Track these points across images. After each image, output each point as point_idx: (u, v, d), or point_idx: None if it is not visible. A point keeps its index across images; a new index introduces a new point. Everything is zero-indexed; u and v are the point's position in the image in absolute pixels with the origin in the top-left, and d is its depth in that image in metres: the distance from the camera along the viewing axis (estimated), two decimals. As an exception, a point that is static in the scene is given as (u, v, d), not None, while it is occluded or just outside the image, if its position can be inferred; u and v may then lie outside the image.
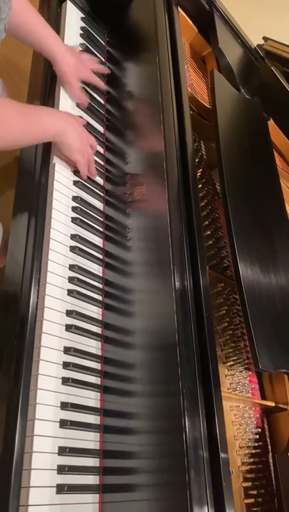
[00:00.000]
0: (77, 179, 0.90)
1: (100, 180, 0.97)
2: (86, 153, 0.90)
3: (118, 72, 1.10)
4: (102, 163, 1.00)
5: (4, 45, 0.84)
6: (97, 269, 0.87)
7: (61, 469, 0.66)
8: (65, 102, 0.96)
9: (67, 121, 0.87)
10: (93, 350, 0.80)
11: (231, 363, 0.93)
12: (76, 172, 0.90)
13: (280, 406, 0.92)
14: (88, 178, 0.93)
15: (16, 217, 0.85)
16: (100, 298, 0.85)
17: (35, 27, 0.92)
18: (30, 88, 1.02)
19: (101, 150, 1.01)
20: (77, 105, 0.99)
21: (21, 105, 0.81)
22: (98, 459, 0.73)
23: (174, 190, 0.83)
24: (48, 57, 0.96)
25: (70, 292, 0.78)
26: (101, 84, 1.06)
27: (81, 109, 0.99)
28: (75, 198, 0.88)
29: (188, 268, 0.77)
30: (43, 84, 0.98)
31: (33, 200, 0.84)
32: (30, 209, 0.83)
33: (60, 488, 0.65)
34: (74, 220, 0.85)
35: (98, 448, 0.73)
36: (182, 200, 0.83)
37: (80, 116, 0.96)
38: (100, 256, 0.89)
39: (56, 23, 1.06)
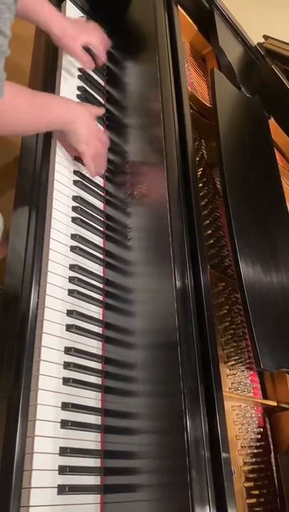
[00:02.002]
0: (78, 179, 0.90)
1: (100, 179, 0.97)
2: (93, 145, 0.90)
3: (118, 71, 1.10)
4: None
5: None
6: (97, 268, 0.87)
7: (62, 470, 0.66)
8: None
9: (78, 111, 0.87)
10: (94, 350, 0.79)
11: (233, 362, 0.93)
12: (76, 172, 0.89)
13: (282, 405, 0.92)
14: (89, 178, 0.93)
15: (16, 217, 0.85)
16: (100, 298, 0.85)
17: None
18: (29, 88, 1.01)
19: (101, 149, 1.01)
20: (77, 104, 0.99)
21: (33, 93, 0.82)
22: (99, 460, 0.73)
23: (174, 189, 0.83)
24: (43, 26, 0.95)
25: (70, 292, 0.78)
26: (102, 53, 1.05)
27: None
28: (75, 198, 0.87)
29: (189, 267, 0.77)
30: (42, 85, 0.98)
31: (33, 200, 0.84)
32: (31, 209, 0.83)
33: (62, 489, 0.65)
34: (74, 219, 0.85)
35: (99, 448, 0.73)
36: (183, 199, 0.83)
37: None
38: (101, 256, 0.89)
39: (56, 22, 1.05)
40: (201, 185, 1.07)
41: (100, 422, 0.75)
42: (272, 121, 1.34)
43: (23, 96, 0.79)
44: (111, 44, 1.14)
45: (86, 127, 0.87)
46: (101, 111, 0.97)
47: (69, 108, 0.87)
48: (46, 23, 0.94)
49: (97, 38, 1.02)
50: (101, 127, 1.04)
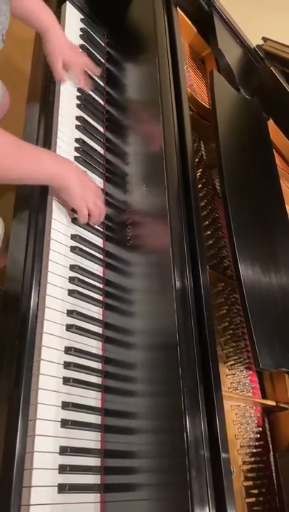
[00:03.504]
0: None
1: (100, 180, 0.97)
2: (91, 202, 0.85)
3: (118, 72, 1.11)
4: (102, 163, 1.00)
5: (5, 48, 0.84)
6: (97, 269, 0.87)
7: (62, 469, 0.66)
8: (65, 102, 0.96)
9: (68, 166, 0.84)
10: (94, 350, 0.80)
11: (232, 362, 0.93)
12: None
13: (281, 405, 0.92)
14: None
15: (17, 218, 0.85)
16: (100, 298, 0.85)
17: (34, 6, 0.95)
18: (30, 90, 1.02)
19: (101, 150, 1.01)
20: (78, 106, 0.99)
21: (19, 141, 0.78)
22: (99, 459, 0.73)
23: (174, 189, 0.83)
24: (39, 29, 0.97)
25: (70, 292, 0.79)
26: (80, 76, 1.01)
27: (81, 109, 0.99)
28: (75, 199, 0.88)
29: (188, 268, 0.77)
30: (42, 87, 0.99)
31: (33, 201, 0.84)
32: (31, 209, 0.83)
33: (62, 488, 0.65)
34: (74, 220, 0.86)
35: (99, 447, 0.74)
36: (182, 199, 0.84)
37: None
38: (101, 256, 0.89)
39: (56, 24, 1.06)
40: (200, 186, 1.07)
41: (100, 422, 0.75)
42: (271, 123, 1.34)
43: (7, 141, 0.74)
44: (111, 45, 1.14)
45: (79, 183, 0.83)
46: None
47: (60, 163, 0.83)
48: (46, 26, 0.95)
49: (79, 63, 1.02)
50: (101, 128, 1.04)
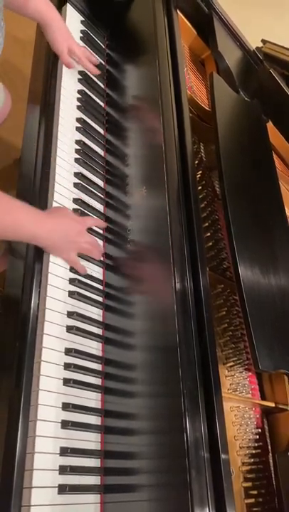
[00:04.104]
0: (78, 181, 0.91)
1: (100, 182, 0.98)
2: (82, 246, 0.82)
3: (118, 74, 1.11)
4: (102, 165, 1.00)
5: (6, 50, 0.85)
6: (97, 270, 0.88)
7: (63, 470, 0.66)
8: (66, 104, 0.97)
9: (48, 224, 0.76)
10: (94, 352, 0.80)
11: (231, 363, 0.93)
12: (76, 175, 0.89)
13: (280, 406, 0.92)
14: (89, 179, 0.93)
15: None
16: (100, 299, 0.85)
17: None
18: (30, 92, 1.02)
19: (101, 152, 1.02)
20: (78, 108, 0.99)
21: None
22: (99, 460, 0.73)
23: (173, 191, 0.83)
24: (41, 20, 0.97)
25: (71, 294, 0.79)
26: (86, 62, 1.03)
27: (81, 111, 1.00)
28: (75, 200, 0.88)
29: (188, 269, 0.77)
30: (43, 88, 0.99)
31: (33, 203, 0.84)
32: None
33: (62, 489, 0.65)
34: (74, 222, 0.86)
35: (99, 448, 0.74)
36: (182, 201, 0.84)
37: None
38: (101, 258, 0.89)
39: (56, 26, 1.06)
40: (200, 188, 1.07)
41: (100, 423, 0.75)
42: (270, 126, 1.35)
43: None
44: (111, 47, 1.15)
45: (60, 237, 0.77)
46: (98, 222, 0.89)
47: (36, 221, 0.75)
48: (49, 16, 0.96)
49: (83, 52, 1.03)
50: (101, 130, 1.04)
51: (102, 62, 1.15)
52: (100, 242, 0.91)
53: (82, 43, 1.10)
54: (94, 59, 1.07)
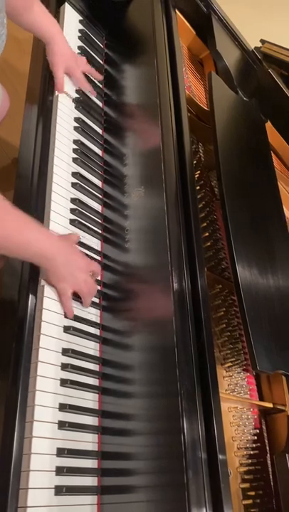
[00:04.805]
0: (76, 181, 0.90)
1: (98, 182, 0.97)
2: (80, 282, 0.78)
3: (116, 74, 1.11)
4: (100, 164, 1.00)
5: (4, 48, 0.84)
6: (95, 270, 0.87)
7: (59, 471, 0.66)
8: (64, 103, 0.96)
9: (56, 245, 0.76)
10: (91, 352, 0.80)
11: (229, 364, 0.93)
12: (74, 175, 0.89)
13: (278, 407, 0.92)
14: (87, 179, 0.93)
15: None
16: (97, 300, 0.85)
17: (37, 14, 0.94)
18: (28, 91, 1.02)
19: (99, 152, 1.01)
20: (76, 108, 0.99)
21: (11, 208, 0.70)
22: (96, 461, 0.73)
23: (171, 191, 0.83)
24: (45, 38, 0.96)
25: (68, 294, 0.78)
26: (83, 82, 1.02)
27: (79, 111, 0.99)
28: (73, 200, 0.88)
29: (186, 269, 0.77)
30: (41, 87, 0.98)
31: (31, 202, 0.84)
32: (29, 211, 0.83)
33: (59, 490, 0.65)
34: (72, 222, 0.86)
35: (96, 449, 0.73)
36: (180, 201, 0.84)
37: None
38: (98, 258, 0.89)
39: (54, 25, 1.06)
40: (198, 187, 1.07)
41: (97, 423, 0.75)
42: (269, 125, 1.35)
43: (12, 220, 0.69)
44: (109, 47, 1.15)
45: (64, 263, 0.75)
46: (76, 239, 0.83)
47: (47, 238, 0.75)
48: (49, 36, 0.96)
49: (82, 69, 1.02)
50: (99, 130, 1.04)
51: (101, 61, 1.14)
52: (98, 242, 0.91)
53: (80, 43, 1.10)
54: (98, 75, 1.06)
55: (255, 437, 0.90)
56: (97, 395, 0.77)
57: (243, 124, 1.20)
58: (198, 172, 1.11)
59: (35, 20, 0.94)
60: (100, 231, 0.92)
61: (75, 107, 0.99)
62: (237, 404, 0.90)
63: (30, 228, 0.72)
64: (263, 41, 1.52)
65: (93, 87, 1.05)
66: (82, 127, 0.97)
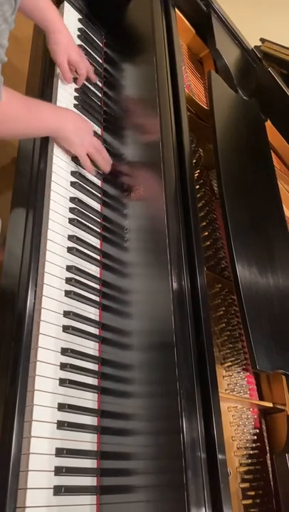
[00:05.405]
0: (75, 180, 0.90)
1: (97, 181, 0.97)
2: (89, 144, 0.90)
3: (115, 73, 1.10)
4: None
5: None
6: (94, 270, 0.87)
7: (58, 471, 0.66)
8: (63, 102, 0.96)
9: (65, 117, 0.88)
10: (90, 352, 0.79)
11: (229, 363, 0.93)
12: (73, 173, 0.90)
13: (278, 407, 0.92)
14: (86, 179, 0.93)
15: (14, 218, 0.85)
16: (97, 299, 0.85)
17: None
18: (27, 90, 1.02)
19: (98, 151, 1.01)
20: (75, 106, 0.99)
21: (25, 99, 0.83)
22: (96, 461, 0.73)
23: (171, 191, 0.83)
24: (45, 27, 0.96)
25: (67, 293, 0.78)
26: (81, 77, 1.02)
27: (78, 109, 0.99)
28: (72, 199, 0.87)
29: (185, 269, 0.77)
30: (40, 86, 0.98)
31: (30, 201, 0.84)
32: (28, 210, 0.83)
33: (58, 490, 0.65)
34: (71, 221, 0.85)
35: (96, 449, 0.73)
36: (180, 201, 0.83)
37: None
38: (98, 257, 0.89)
39: (54, 24, 1.06)
40: (198, 186, 1.07)
41: (96, 423, 0.75)
42: (268, 124, 1.34)
43: (17, 100, 0.80)
44: (109, 45, 1.14)
45: (76, 130, 0.88)
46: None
47: (57, 113, 0.88)
48: (54, 26, 0.95)
49: (84, 63, 1.02)
50: (98, 129, 1.04)
51: (100, 60, 1.14)
52: (97, 241, 0.91)
53: (79, 42, 1.09)
54: (93, 76, 1.06)
55: (255, 437, 0.90)
56: (96, 395, 0.77)
57: (242, 123, 1.19)
58: (198, 171, 1.10)
59: (38, 5, 0.94)
60: (99, 230, 0.92)
61: (74, 106, 0.99)
62: (237, 404, 0.90)
63: (37, 105, 0.84)
64: (262, 40, 1.51)
65: (93, 85, 1.05)
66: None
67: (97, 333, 0.82)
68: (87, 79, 1.04)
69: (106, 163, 0.96)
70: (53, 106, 0.93)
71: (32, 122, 0.83)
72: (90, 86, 1.05)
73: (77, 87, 1.01)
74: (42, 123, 0.85)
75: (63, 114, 0.89)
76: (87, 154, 0.91)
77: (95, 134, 0.97)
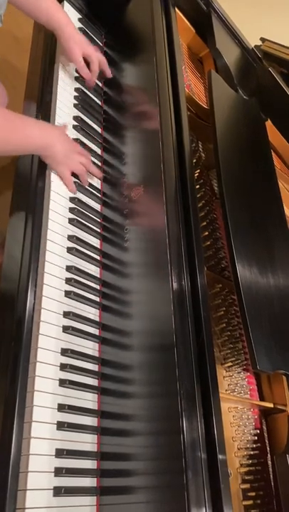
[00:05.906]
0: (75, 180, 0.90)
1: (97, 181, 0.97)
2: (75, 164, 0.88)
3: (115, 73, 1.10)
4: (99, 163, 0.99)
5: (2, 46, 0.84)
6: (94, 270, 0.87)
7: (58, 471, 0.66)
8: (63, 103, 0.96)
9: (53, 134, 0.86)
10: (90, 352, 0.79)
11: (229, 364, 0.93)
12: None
13: (279, 407, 0.92)
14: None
15: (13, 219, 0.85)
16: (97, 299, 0.85)
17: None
18: (27, 90, 1.02)
19: (98, 151, 1.01)
20: (75, 106, 0.99)
21: (8, 112, 0.80)
22: (96, 461, 0.72)
23: (171, 190, 0.83)
24: (53, 26, 0.95)
25: (67, 293, 0.78)
26: (95, 72, 1.02)
27: (78, 109, 0.99)
28: (72, 199, 0.87)
29: (185, 269, 0.77)
30: (40, 86, 0.98)
31: (30, 201, 0.84)
32: (28, 210, 0.83)
33: (58, 491, 0.64)
34: (71, 221, 0.85)
35: (96, 450, 0.73)
36: (180, 200, 0.83)
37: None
38: (97, 257, 0.89)
39: (53, 23, 1.05)
40: (198, 186, 1.07)
41: (96, 424, 0.75)
42: (269, 123, 1.34)
43: None
44: (109, 45, 1.14)
45: (62, 148, 0.85)
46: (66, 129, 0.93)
47: (45, 130, 0.85)
48: (63, 23, 0.95)
49: (98, 56, 1.02)
50: (98, 128, 1.04)
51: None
52: (97, 241, 0.90)
53: (79, 41, 1.09)
54: (109, 72, 1.07)
55: (256, 437, 0.90)
56: (96, 396, 0.77)
57: (243, 123, 1.19)
58: (198, 171, 1.10)
59: (48, 12, 0.94)
60: (99, 230, 0.92)
61: (74, 106, 0.99)
62: (237, 405, 0.89)
63: (27, 126, 0.82)
64: (263, 39, 1.51)
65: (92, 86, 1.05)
66: (81, 126, 0.97)
67: (97, 334, 0.82)
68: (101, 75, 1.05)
69: (98, 176, 0.95)
70: (40, 122, 0.89)
71: (13, 135, 0.79)
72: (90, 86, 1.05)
73: (76, 86, 1.01)
74: (25, 137, 0.81)
75: (50, 131, 0.86)
76: (74, 171, 0.89)
77: (85, 146, 0.97)
